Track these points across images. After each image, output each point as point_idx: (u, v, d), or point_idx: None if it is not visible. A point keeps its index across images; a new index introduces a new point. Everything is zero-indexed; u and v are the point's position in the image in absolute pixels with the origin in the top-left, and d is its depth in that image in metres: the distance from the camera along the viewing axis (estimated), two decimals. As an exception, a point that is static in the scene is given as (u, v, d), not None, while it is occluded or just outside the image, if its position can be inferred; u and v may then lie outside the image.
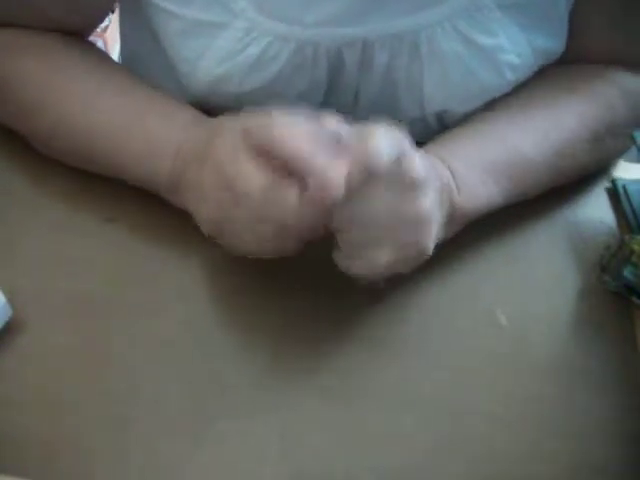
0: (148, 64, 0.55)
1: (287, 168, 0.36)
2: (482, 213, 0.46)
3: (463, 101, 0.51)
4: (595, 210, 0.54)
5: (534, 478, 0.40)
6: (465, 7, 0.46)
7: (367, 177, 0.36)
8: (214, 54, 0.48)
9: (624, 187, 0.54)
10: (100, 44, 1.36)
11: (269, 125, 0.37)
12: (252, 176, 0.37)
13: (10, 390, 0.40)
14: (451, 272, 0.48)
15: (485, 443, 0.41)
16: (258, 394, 0.41)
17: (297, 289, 0.46)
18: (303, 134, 0.36)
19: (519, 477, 0.40)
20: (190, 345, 0.43)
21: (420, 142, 0.47)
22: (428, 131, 0.53)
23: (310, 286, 0.46)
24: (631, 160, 0.58)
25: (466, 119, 0.51)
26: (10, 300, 0.41)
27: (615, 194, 0.54)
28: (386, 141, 0.37)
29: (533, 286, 0.48)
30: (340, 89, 0.51)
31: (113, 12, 0.62)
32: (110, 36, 1.40)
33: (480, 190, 0.46)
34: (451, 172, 0.45)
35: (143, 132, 0.46)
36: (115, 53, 1.20)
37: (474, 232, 0.47)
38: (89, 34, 0.54)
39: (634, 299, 0.47)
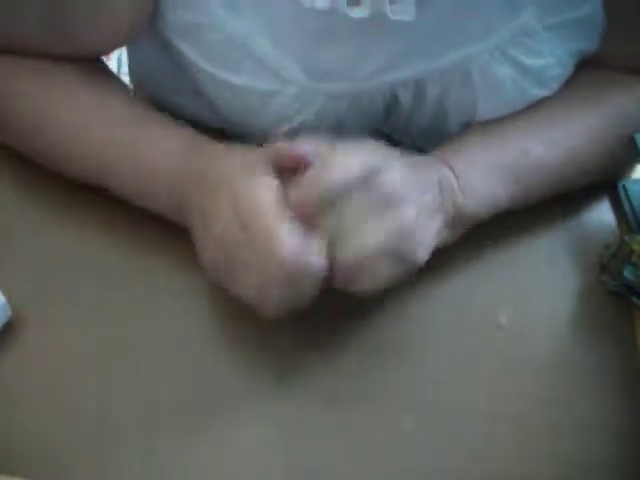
0: (160, 82, 0.55)
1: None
2: (487, 216, 0.46)
3: (507, 113, 0.50)
4: (595, 210, 0.54)
5: (534, 478, 0.40)
6: (513, 35, 0.46)
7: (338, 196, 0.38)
8: (267, 117, 0.48)
9: (624, 187, 0.54)
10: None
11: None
12: (280, 232, 0.37)
13: (10, 390, 0.40)
14: (451, 272, 0.48)
15: (485, 443, 0.41)
16: (259, 397, 0.41)
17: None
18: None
19: (519, 477, 0.40)
20: (190, 346, 0.43)
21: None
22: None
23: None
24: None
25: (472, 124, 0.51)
26: (10, 300, 0.41)
27: (615, 194, 0.54)
28: (346, 163, 0.38)
29: (533, 286, 0.48)
30: (393, 119, 0.51)
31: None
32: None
33: (485, 193, 0.46)
34: (455, 176, 0.45)
35: (137, 158, 0.45)
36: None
37: (474, 232, 0.47)
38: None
39: (634, 299, 0.47)
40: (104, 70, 0.51)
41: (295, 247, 0.37)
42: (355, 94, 0.47)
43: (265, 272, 0.37)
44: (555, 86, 0.50)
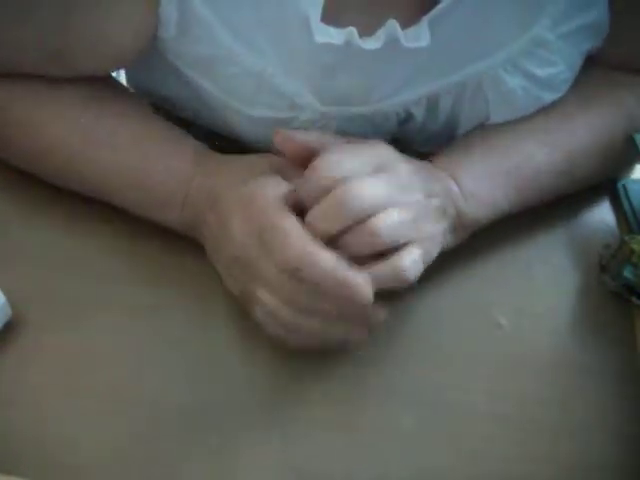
0: (166, 98, 0.54)
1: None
2: (490, 220, 0.46)
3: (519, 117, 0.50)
4: (595, 210, 0.54)
5: (534, 478, 0.40)
6: (525, 47, 0.45)
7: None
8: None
9: (624, 187, 0.54)
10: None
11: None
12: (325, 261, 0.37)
13: (10, 390, 0.40)
14: (450, 272, 0.48)
15: (485, 443, 0.41)
16: (259, 395, 0.41)
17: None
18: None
19: (519, 477, 0.40)
20: (191, 346, 0.43)
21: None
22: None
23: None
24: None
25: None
26: (10, 300, 0.41)
27: (615, 194, 0.54)
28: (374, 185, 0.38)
29: (533, 286, 0.48)
30: (406, 130, 0.51)
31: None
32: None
33: (486, 199, 0.46)
34: (456, 181, 0.44)
35: (144, 185, 0.45)
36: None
37: (473, 232, 0.47)
38: None
39: (634, 299, 0.47)
40: (104, 83, 0.49)
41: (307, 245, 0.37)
42: (369, 115, 0.47)
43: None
44: (565, 88, 0.50)
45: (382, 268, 0.38)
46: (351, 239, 0.38)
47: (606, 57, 0.50)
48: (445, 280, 0.48)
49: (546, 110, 0.49)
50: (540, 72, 0.46)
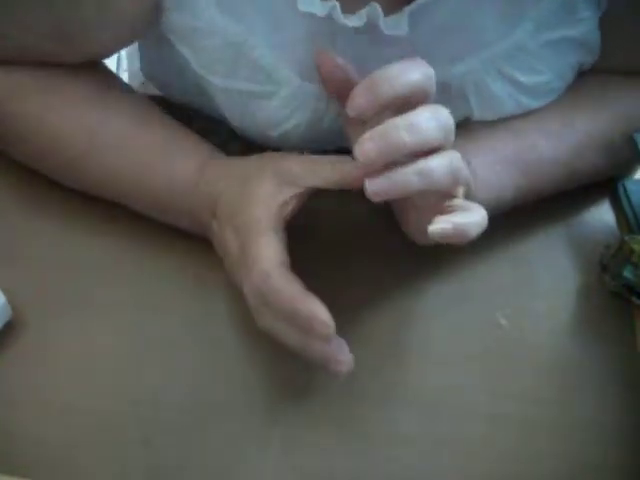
0: (170, 83, 0.54)
1: None
2: (492, 206, 0.45)
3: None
4: (595, 210, 0.54)
5: (534, 478, 0.40)
6: (508, 50, 0.45)
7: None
8: (263, 120, 0.48)
9: (624, 187, 0.54)
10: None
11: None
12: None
13: (10, 390, 0.40)
14: (450, 272, 0.48)
15: (485, 443, 0.41)
16: (258, 394, 0.41)
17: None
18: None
19: (519, 477, 0.40)
20: (191, 345, 0.43)
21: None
22: None
23: (311, 286, 0.46)
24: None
25: None
26: (10, 300, 0.41)
27: (615, 194, 0.54)
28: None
29: (533, 286, 0.48)
30: None
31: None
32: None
33: (494, 182, 0.45)
34: (466, 161, 0.43)
35: (152, 188, 0.46)
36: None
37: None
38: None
39: (634, 299, 0.47)
40: (108, 82, 0.49)
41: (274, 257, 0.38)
42: None
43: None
44: (555, 97, 0.50)
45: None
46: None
47: (602, 66, 0.50)
48: (445, 280, 0.48)
49: (548, 106, 0.49)
50: (525, 79, 0.46)
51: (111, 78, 0.50)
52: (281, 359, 0.43)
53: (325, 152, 0.41)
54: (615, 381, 0.44)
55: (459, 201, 0.39)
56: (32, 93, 0.46)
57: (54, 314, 0.44)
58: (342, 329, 0.44)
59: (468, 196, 0.42)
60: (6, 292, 0.41)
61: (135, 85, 0.65)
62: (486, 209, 0.44)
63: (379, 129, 0.35)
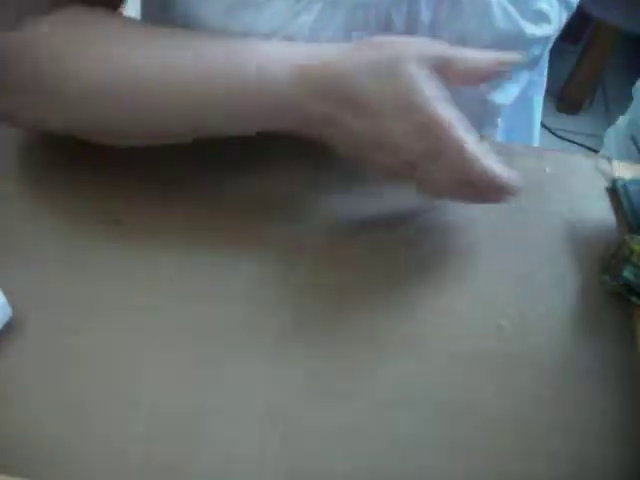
0: None
1: None
2: None
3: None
4: (595, 210, 0.54)
5: (534, 478, 0.40)
6: None
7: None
8: (264, 26, 0.46)
9: (624, 187, 0.54)
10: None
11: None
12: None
13: (10, 390, 0.40)
14: (450, 272, 0.48)
15: (485, 443, 0.41)
16: (258, 395, 0.41)
17: (297, 289, 0.46)
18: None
19: (519, 477, 0.40)
20: (191, 346, 0.43)
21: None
22: None
23: (310, 285, 0.46)
24: (631, 160, 0.58)
25: None
26: (10, 300, 0.41)
27: (615, 194, 0.54)
28: None
29: (533, 286, 0.48)
30: None
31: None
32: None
33: None
34: None
35: (246, 110, 0.43)
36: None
37: (473, 232, 0.47)
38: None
39: (634, 299, 0.47)
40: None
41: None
42: (351, 4, 0.46)
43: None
44: (547, 28, 0.50)
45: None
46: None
47: None
48: (445, 280, 0.48)
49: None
50: None
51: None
52: (281, 359, 0.43)
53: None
54: (615, 381, 0.44)
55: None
56: (84, 32, 0.44)
57: (54, 314, 0.43)
58: (342, 328, 0.45)
59: None
60: (6, 292, 0.41)
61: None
62: None
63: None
